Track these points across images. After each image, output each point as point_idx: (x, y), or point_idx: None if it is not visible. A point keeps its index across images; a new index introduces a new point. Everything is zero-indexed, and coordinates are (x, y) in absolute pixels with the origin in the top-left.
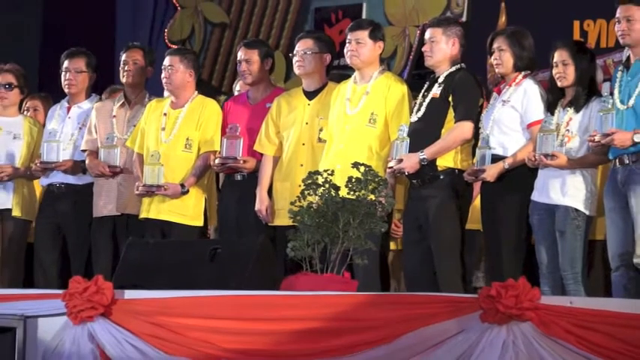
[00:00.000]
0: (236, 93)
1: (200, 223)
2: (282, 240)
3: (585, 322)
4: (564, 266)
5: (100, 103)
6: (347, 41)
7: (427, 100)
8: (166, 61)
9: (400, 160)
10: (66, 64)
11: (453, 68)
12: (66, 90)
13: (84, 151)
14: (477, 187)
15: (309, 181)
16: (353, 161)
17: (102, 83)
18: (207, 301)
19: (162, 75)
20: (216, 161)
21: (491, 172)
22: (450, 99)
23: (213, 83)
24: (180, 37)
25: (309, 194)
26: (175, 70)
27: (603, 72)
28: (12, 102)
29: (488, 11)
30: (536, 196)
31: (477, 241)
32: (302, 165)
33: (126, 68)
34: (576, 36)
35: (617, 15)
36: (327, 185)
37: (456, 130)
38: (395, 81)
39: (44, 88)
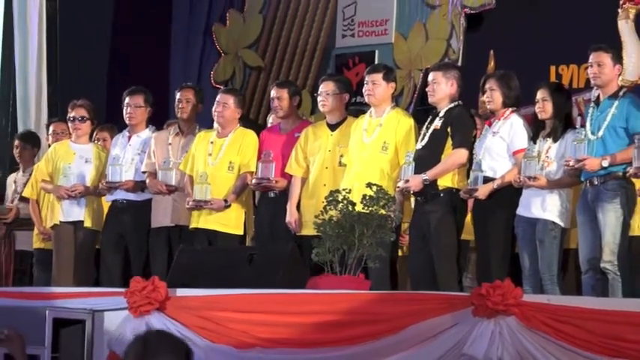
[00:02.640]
0: (269, 124)
1: (240, 232)
2: (308, 247)
3: (560, 316)
4: (543, 270)
5: (157, 133)
6: (365, 82)
7: (430, 131)
8: (222, 98)
9: (407, 181)
10: (127, 100)
11: (452, 105)
12: (127, 121)
13: (144, 172)
14: (470, 203)
15: (331, 199)
16: (367, 182)
17: (158, 116)
18: (245, 298)
19: (218, 109)
20: (253, 181)
21: (483, 191)
22: (449, 130)
23: (250, 116)
24: (224, 78)
25: (330, 209)
26: (229, 106)
27: (575, 109)
28: (84, 132)
29: (480, 57)
30: (520, 211)
31: (466, 249)
32: (325, 185)
33: (180, 105)
34: (552, 78)
35: (590, 60)
36: (345, 202)
37: (453, 156)
38: (404, 115)
39: (110, 120)
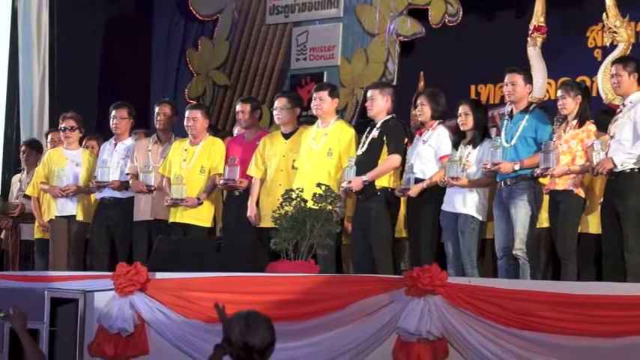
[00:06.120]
0: (234, 134)
1: (210, 225)
2: (267, 237)
3: (479, 295)
4: (464, 256)
5: (139, 141)
6: (313, 98)
7: (368, 139)
8: (191, 113)
9: (349, 182)
10: (113, 112)
11: (387, 117)
12: (113, 131)
13: (128, 174)
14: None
15: (286, 196)
16: (316, 182)
17: (139, 126)
18: (214, 280)
19: (188, 123)
20: (221, 182)
21: (414, 190)
22: (385, 139)
23: (218, 127)
24: (196, 94)
25: (285, 205)
26: (198, 119)
27: (490, 121)
28: (74, 139)
29: (412, 77)
30: (445, 207)
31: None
32: (280, 185)
33: (158, 118)
34: (472, 95)
35: (505, 80)
36: (298, 199)
37: (388, 161)
38: (346, 126)
39: (100, 128)
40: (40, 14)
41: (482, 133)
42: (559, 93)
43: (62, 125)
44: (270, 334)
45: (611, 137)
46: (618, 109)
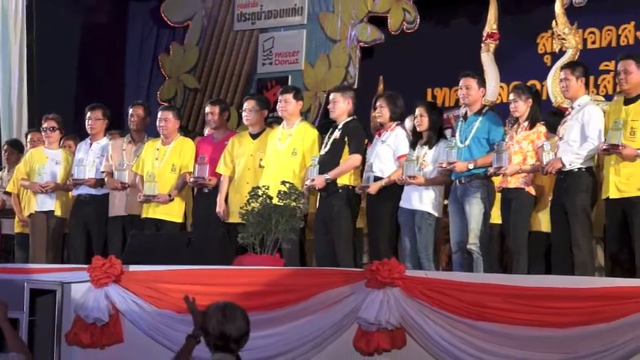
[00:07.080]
0: (205, 134)
1: (181, 220)
2: (234, 232)
3: (435, 287)
4: (421, 250)
5: (113, 141)
6: (278, 100)
7: (331, 140)
8: (163, 114)
9: (313, 180)
10: (89, 114)
11: (348, 119)
12: (89, 131)
13: (103, 172)
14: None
15: (253, 193)
16: (281, 180)
17: (114, 127)
18: (185, 273)
19: (160, 124)
20: (191, 180)
21: (374, 188)
22: (346, 139)
23: (189, 128)
24: (168, 97)
25: (252, 202)
26: (169, 120)
27: (445, 123)
28: (55, 140)
29: (371, 81)
30: (402, 204)
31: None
32: (248, 183)
33: (132, 119)
34: (428, 98)
35: (460, 84)
36: (264, 196)
37: (349, 160)
38: (310, 127)
39: (77, 129)
40: (17, 18)
41: (437, 134)
42: (511, 96)
43: (44, 126)
44: (245, 324)
45: (560, 138)
46: (567, 112)
